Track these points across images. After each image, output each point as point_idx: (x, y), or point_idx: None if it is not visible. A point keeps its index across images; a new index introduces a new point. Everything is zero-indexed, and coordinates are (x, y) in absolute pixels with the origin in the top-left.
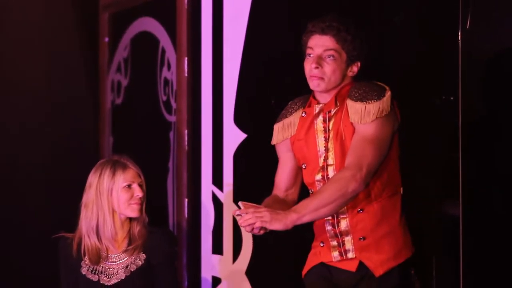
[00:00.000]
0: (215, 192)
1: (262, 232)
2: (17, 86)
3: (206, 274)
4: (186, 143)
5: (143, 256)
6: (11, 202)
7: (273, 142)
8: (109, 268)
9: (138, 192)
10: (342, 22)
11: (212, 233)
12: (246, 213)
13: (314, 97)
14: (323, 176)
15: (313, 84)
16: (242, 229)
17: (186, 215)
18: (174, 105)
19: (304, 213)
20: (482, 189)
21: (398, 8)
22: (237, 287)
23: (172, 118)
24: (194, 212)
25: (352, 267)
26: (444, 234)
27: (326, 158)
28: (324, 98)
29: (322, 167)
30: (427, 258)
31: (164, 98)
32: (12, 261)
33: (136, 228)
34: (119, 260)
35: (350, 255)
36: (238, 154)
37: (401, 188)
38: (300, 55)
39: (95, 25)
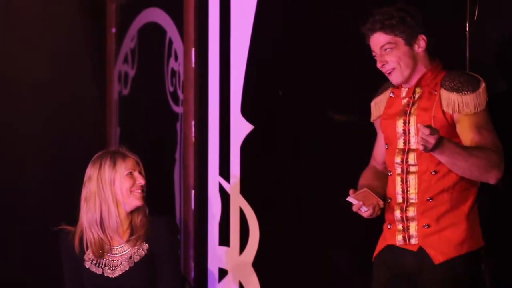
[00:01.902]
0: (222, 183)
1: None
2: (23, 77)
3: (213, 266)
4: (193, 134)
5: (145, 246)
6: (18, 194)
7: (371, 119)
8: (113, 260)
9: (140, 180)
10: (384, 12)
11: (219, 225)
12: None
13: None
14: (402, 160)
15: (391, 79)
16: (251, 222)
17: (193, 207)
18: (181, 96)
19: (450, 146)
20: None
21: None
22: (244, 278)
23: (179, 109)
24: (201, 203)
25: (415, 249)
26: None
27: (407, 142)
28: (409, 83)
29: (403, 150)
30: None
31: (171, 89)
32: (17, 254)
33: (138, 218)
34: (122, 252)
35: (413, 241)
36: (245, 146)
37: (479, 183)
38: (308, 45)
39: (102, 16)
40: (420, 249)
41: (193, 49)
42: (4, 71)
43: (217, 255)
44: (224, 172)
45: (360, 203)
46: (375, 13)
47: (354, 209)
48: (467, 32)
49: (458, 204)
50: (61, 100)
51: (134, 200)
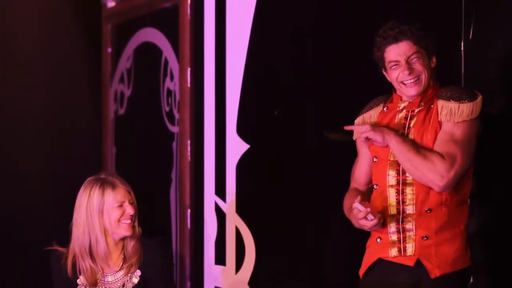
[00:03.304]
0: (217, 202)
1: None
2: (20, 95)
3: (209, 285)
4: (189, 153)
5: (138, 272)
6: (12, 210)
7: (354, 137)
8: None
9: (129, 210)
10: (408, 23)
11: (215, 244)
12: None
13: (398, 94)
14: (398, 171)
15: (409, 91)
16: (247, 241)
17: (189, 226)
18: (177, 115)
19: (398, 141)
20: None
21: (401, 19)
22: None
23: (175, 129)
24: (197, 222)
25: (410, 262)
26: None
27: None
28: (412, 98)
29: (397, 162)
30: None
31: (167, 108)
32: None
33: (130, 245)
34: (115, 279)
35: (409, 252)
36: (241, 165)
37: (469, 200)
38: (303, 65)
39: (98, 36)
40: (417, 264)
41: (188, 69)
42: (2, 93)
43: (213, 274)
44: (220, 191)
45: (368, 210)
46: (395, 22)
47: (361, 216)
48: (462, 52)
49: (455, 219)
50: (57, 119)
51: (122, 231)
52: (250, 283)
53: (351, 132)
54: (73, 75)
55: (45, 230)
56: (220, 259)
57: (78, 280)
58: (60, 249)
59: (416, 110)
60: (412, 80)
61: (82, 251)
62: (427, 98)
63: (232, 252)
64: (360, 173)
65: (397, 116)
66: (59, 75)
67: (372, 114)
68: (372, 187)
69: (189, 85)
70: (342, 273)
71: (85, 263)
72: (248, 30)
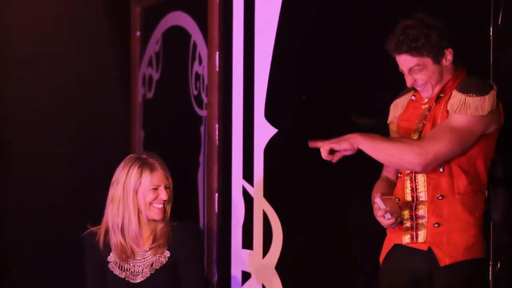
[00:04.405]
0: (245, 186)
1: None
2: (49, 80)
3: (236, 269)
4: (217, 137)
5: (167, 253)
6: (42, 196)
7: (388, 120)
8: (134, 266)
9: (163, 195)
10: (409, 32)
11: (242, 228)
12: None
13: None
14: None
15: (424, 94)
16: (275, 225)
17: (216, 210)
18: (205, 99)
19: (366, 139)
20: None
21: (429, 4)
22: (267, 281)
23: (203, 113)
24: (225, 206)
25: (424, 247)
26: None
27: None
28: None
29: None
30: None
31: (195, 92)
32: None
33: (159, 226)
34: (144, 258)
35: (421, 239)
36: (269, 149)
37: (486, 191)
38: (331, 48)
39: (127, 19)
40: (430, 250)
41: (217, 53)
42: (30, 73)
43: (240, 258)
44: (248, 175)
45: (387, 208)
46: (398, 31)
47: (379, 213)
48: (491, 37)
49: (470, 208)
50: (85, 103)
51: (153, 215)
52: (277, 267)
53: (380, 116)
54: (101, 59)
55: (75, 212)
56: (247, 243)
57: (109, 257)
58: (94, 228)
59: (436, 101)
60: (419, 88)
61: (114, 226)
62: (447, 90)
63: (259, 236)
64: None
65: (422, 107)
66: (88, 58)
67: (403, 101)
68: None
69: (217, 69)
70: (370, 256)
71: (116, 238)
72: (277, 13)
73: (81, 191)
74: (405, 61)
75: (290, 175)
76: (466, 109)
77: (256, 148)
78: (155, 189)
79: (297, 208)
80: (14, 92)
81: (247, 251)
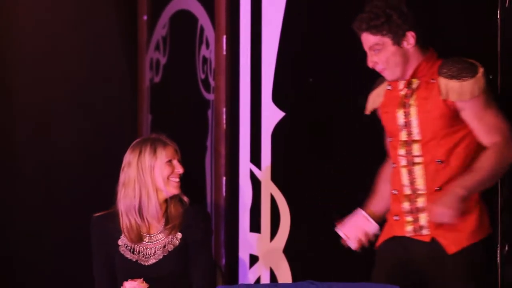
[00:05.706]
0: (253, 170)
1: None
2: (55, 64)
3: (244, 252)
4: (224, 121)
5: (179, 235)
6: (49, 180)
7: (366, 112)
8: (147, 248)
9: (179, 168)
10: (369, 10)
11: (249, 211)
12: None
13: None
14: (407, 151)
15: (388, 77)
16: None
17: (224, 194)
18: (212, 83)
19: (461, 185)
20: None
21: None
22: (275, 265)
23: (210, 96)
24: (232, 190)
25: (427, 238)
26: None
27: (409, 134)
28: (404, 77)
29: (406, 142)
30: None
31: (203, 76)
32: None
33: (173, 207)
34: (156, 240)
35: (425, 231)
36: (276, 133)
37: None
38: (338, 32)
39: (134, 3)
40: (433, 240)
41: (224, 37)
42: (35, 58)
43: (248, 242)
44: (255, 159)
45: (346, 237)
46: (365, 9)
47: (342, 241)
48: (498, 20)
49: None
50: (92, 87)
51: (172, 189)
52: (285, 250)
53: None
54: (108, 43)
55: (83, 196)
56: (255, 227)
57: (119, 241)
58: (101, 213)
59: (414, 87)
60: (379, 71)
61: (129, 209)
62: (422, 72)
63: (267, 219)
64: None
65: (399, 95)
66: (94, 43)
67: (379, 92)
68: None
69: (224, 52)
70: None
71: (130, 220)
72: None
73: (89, 176)
74: (365, 39)
75: (298, 158)
76: (469, 95)
77: (264, 131)
78: (170, 162)
79: (305, 192)
80: (22, 77)
81: (255, 235)
